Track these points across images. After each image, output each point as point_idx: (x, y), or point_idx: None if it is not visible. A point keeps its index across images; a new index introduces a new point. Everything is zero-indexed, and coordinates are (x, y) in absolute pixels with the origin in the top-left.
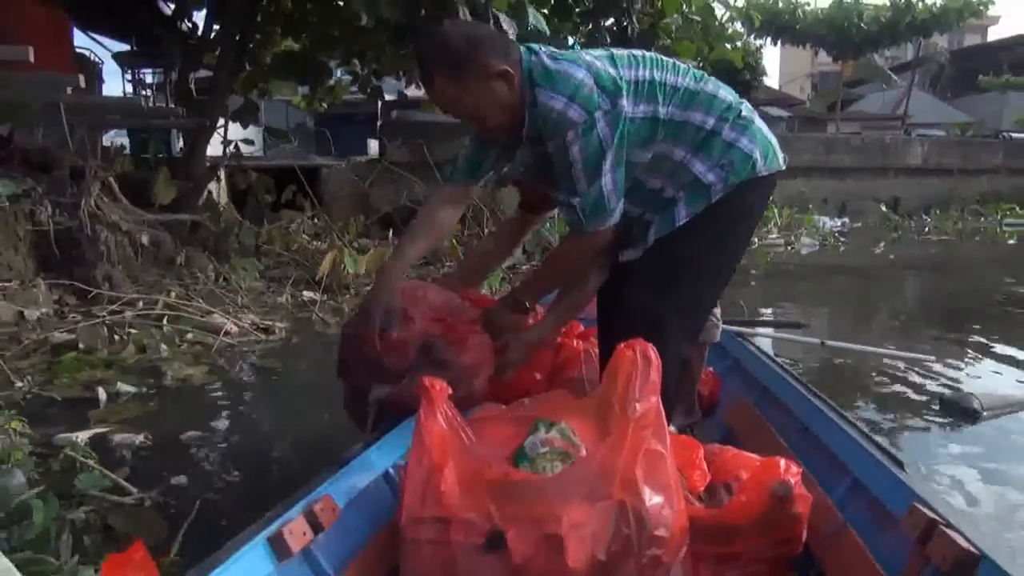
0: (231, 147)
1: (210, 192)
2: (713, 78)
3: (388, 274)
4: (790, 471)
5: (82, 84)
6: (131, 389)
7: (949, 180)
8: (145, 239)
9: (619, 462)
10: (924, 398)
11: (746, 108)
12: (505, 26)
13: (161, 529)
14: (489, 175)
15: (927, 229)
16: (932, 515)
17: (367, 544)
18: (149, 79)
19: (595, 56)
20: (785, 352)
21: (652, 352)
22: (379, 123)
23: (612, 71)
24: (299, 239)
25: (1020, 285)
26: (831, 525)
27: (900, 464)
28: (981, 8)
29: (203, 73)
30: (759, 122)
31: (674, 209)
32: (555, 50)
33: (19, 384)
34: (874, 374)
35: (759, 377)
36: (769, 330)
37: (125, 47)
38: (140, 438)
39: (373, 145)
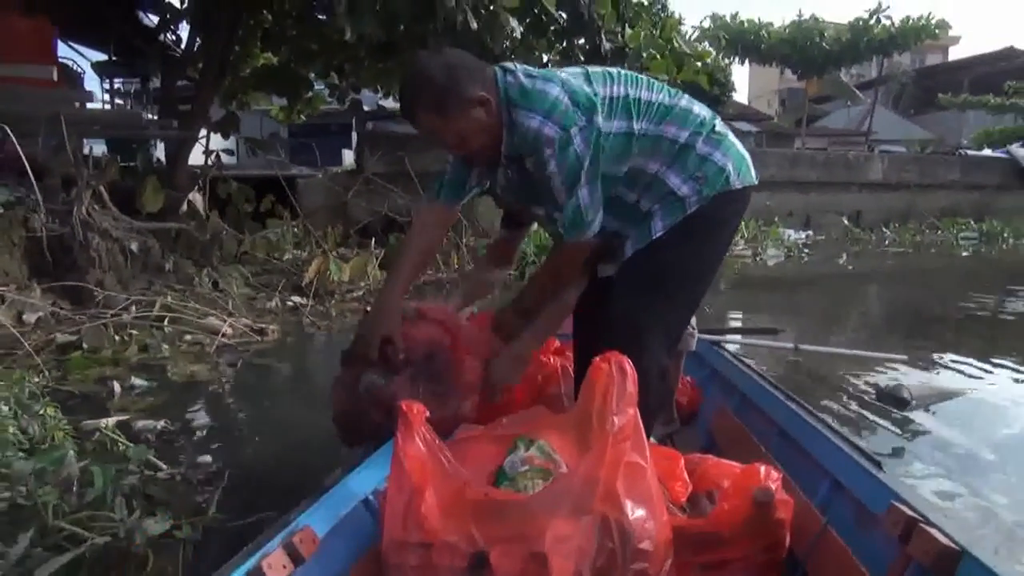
0: (212, 157)
1: (190, 201)
2: (687, 95)
3: (385, 299)
4: (771, 477)
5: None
6: (143, 383)
7: (908, 195)
8: (134, 246)
9: (600, 476)
10: (869, 391)
11: (720, 123)
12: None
13: (194, 497)
14: (473, 192)
15: (887, 242)
16: (912, 513)
17: (349, 573)
18: (122, 88)
19: (570, 73)
20: (751, 357)
21: (628, 364)
22: (354, 134)
23: (587, 88)
24: (285, 247)
25: (973, 296)
26: (814, 528)
27: (878, 464)
28: (937, 31)
29: (179, 83)
30: (732, 137)
31: (650, 223)
32: (530, 68)
33: (36, 379)
34: (831, 374)
35: (737, 385)
36: (744, 337)
37: (101, 56)
38: (160, 424)
39: (347, 156)
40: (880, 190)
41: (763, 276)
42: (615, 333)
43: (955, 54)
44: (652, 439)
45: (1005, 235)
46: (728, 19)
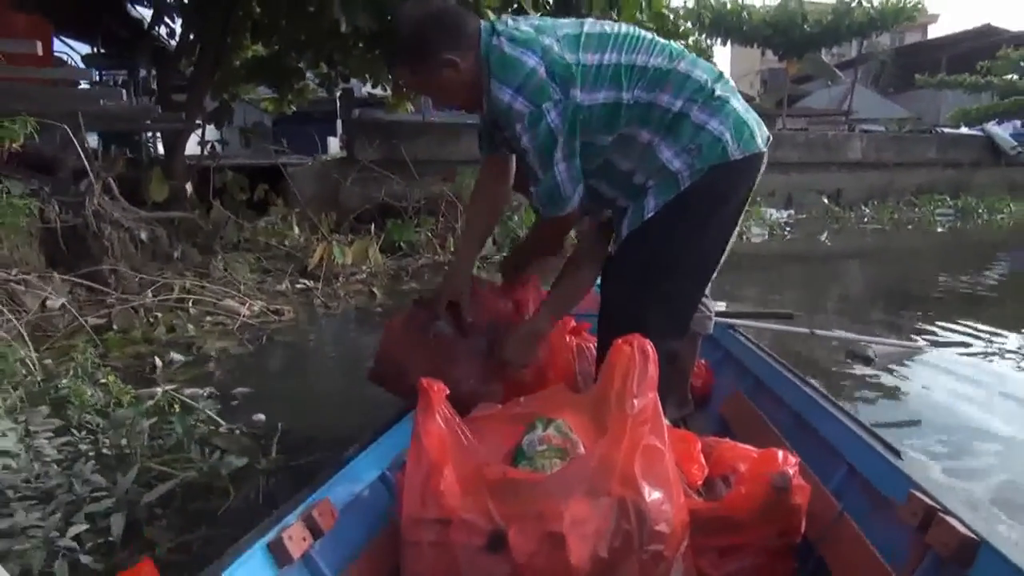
0: (208, 147)
1: (186, 190)
2: (692, 55)
3: (456, 265)
4: (788, 462)
5: None
6: (181, 357)
7: (887, 173)
8: (144, 235)
9: (618, 458)
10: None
11: (722, 87)
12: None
13: (255, 446)
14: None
15: (866, 219)
16: (931, 502)
17: (367, 547)
18: (110, 79)
19: (559, 36)
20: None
21: (649, 347)
22: (339, 122)
23: (569, 56)
24: (289, 233)
25: (949, 272)
26: (829, 514)
27: (896, 451)
28: (915, 13)
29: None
30: (736, 102)
31: (644, 199)
32: (520, 27)
33: (80, 356)
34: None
35: (751, 368)
36: (758, 321)
37: (84, 48)
38: (205, 392)
39: (333, 143)
40: (859, 169)
41: (749, 254)
42: (613, 319)
43: (934, 32)
44: (666, 421)
45: (980, 211)
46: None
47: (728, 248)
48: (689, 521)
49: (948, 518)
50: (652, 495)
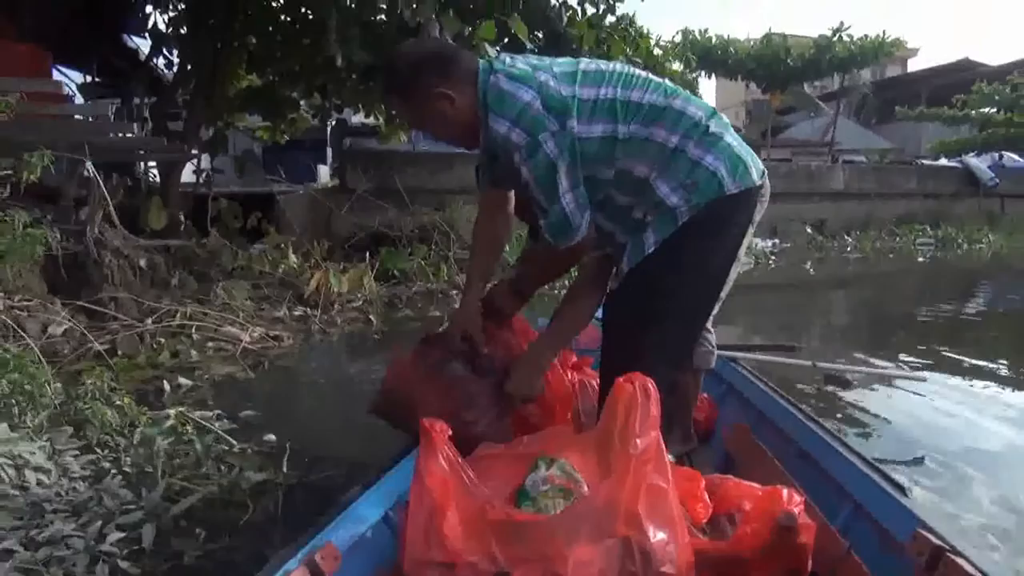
0: (203, 176)
1: (180, 219)
2: (686, 92)
3: (465, 299)
4: (793, 500)
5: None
6: (188, 382)
7: (868, 203)
8: (143, 262)
9: (622, 498)
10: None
11: (716, 123)
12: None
13: (268, 464)
14: None
15: (849, 248)
16: (938, 541)
17: None
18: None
19: (554, 73)
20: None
21: (651, 385)
22: (328, 150)
23: (565, 90)
24: (284, 261)
25: (932, 299)
26: (836, 552)
27: (902, 489)
28: (893, 49)
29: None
30: (730, 137)
31: (643, 235)
32: (517, 64)
33: (88, 381)
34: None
35: (755, 402)
36: (761, 354)
37: (78, 75)
38: (213, 415)
39: (323, 171)
40: (842, 199)
41: (737, 283)
42: (613, 357)
43: (914, 66)
44: (670, 456)
45: (959, 240)
46: (698, 35)
47: (731, 281)
48: (694, 561)
49: (956, 558)
50: (657, 535)
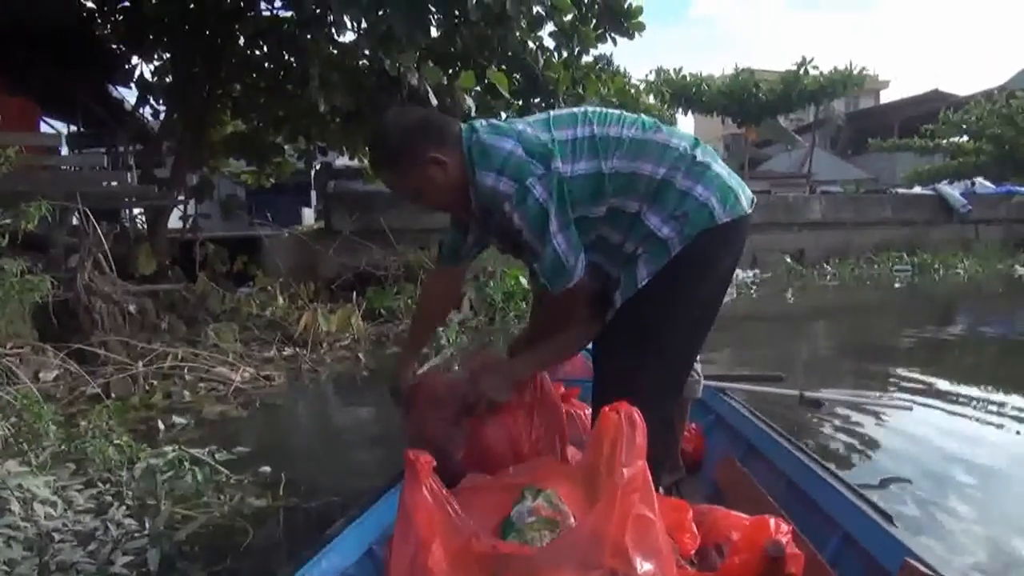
0: (190, 221)
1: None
2: (667, 126)
3: (401, 365)
4: (781, 530)
5: None
6: (183, 421)
7: (845, 232)
8: (132, 308)
9: (609, 530)
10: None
11: (702, 152)
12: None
13: (265, 492)
14: (474, 251)
15: (828, 277)
16: (926, 570)
17: None
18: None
19: (531, 123)
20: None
21: (637, 415)
22: (313, 193)
23: (544, 135)
24: (272, 303)
25: (912, 326)
26: None
27: (889, 518)
28: (862, 80)
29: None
30: (718, 167)
31: (635, 268)
32: (496, 124)
33: (83, 423)
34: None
35: (743, 433)
36: (749, 384)
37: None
38: (207, 450)
39: (307, 214)
40: (820, 228)
41: (721, 314)
42: (609, 389)
43: (886, 97)
44: (660, 490)
45: (936, 267)
46: (672, 73)
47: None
48: None
49: None
50: (644, 567)
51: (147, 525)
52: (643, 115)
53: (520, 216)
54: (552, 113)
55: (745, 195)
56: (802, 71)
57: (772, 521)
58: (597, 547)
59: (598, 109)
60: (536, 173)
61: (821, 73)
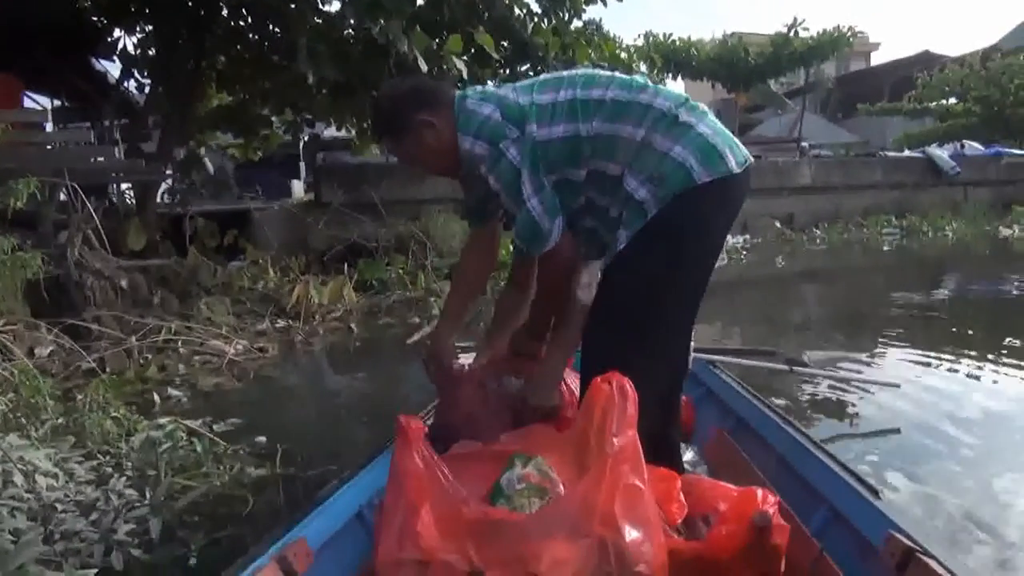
0: (178, 196)
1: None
2: (655, 86)
3: (437, 333)
4: (768, 501)
5: None
6: (178, 393)
7: (835, 196)
8: (124, 283)
9: (598, 498)
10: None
11: (687, 112)
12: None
13: (263, 461)
14: (491, 210)
15: (817, 241)
16: (909, 543)
17: None
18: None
19: (517, 87)
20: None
21: (628, 385)
22: (302, 165)
23: (523, 99)
24: (264, 276)
25: (900, 289)
26: (809, 555)
27: (875, 492)
28: (852, 41)
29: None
30: (704, 126)
31: (618, 232)
32: (486, 89)
33: (80, 397)
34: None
35: (733, 406)
36: (739, 357)
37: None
38: (201, 421)
39: (297, 186)
40: (809, 193)
41: (712, 280)
42: (594, 358)
43: (876, 59)
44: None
45: (924, 229)
46: (662, 38)
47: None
48: (669, 561)
49: (926, 559)
50: (632, 535)
51: (148, 495)
52: (636, 77)
53: (495, 179)
54: (542, 77)
55: (735, 154)
56: (792, 33)
57: (759, 492)
58: (587, 515)
59: (587, 71)
60: (510, 136)
61: (811, 36)
